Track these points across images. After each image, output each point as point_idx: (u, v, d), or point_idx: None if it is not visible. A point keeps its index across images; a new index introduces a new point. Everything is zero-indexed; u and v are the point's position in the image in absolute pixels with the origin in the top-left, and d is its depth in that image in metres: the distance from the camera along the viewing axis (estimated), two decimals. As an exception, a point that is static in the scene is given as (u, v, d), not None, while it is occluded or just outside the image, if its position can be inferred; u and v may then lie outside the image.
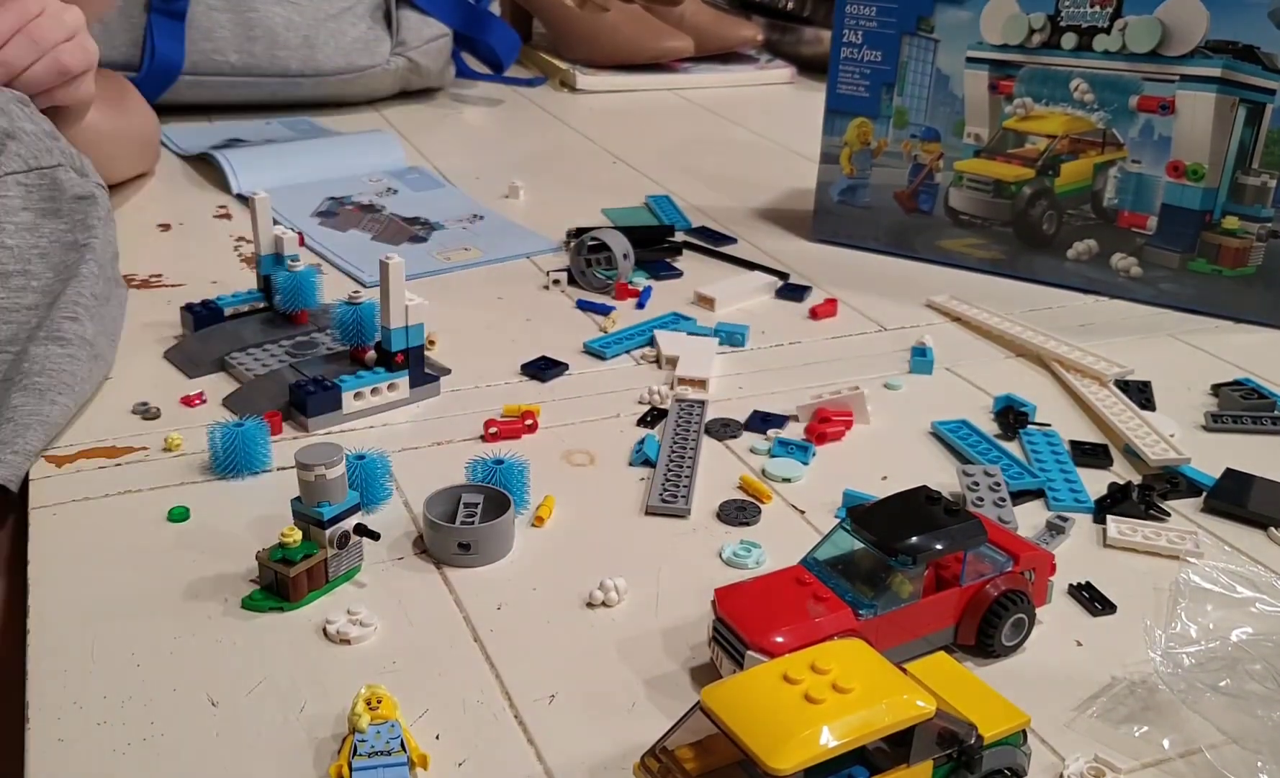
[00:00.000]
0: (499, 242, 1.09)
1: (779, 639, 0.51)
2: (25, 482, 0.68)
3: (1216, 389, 0.85)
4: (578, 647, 0.57)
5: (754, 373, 0.86)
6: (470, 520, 0.65)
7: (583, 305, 0.96)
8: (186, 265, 1.01)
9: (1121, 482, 0.71)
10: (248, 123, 1.42)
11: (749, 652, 0.51)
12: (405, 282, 0.75)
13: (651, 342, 0.89)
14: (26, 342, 0.74)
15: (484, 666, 0.56)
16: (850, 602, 0.54)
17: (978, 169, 1.04)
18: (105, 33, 1.33)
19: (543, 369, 0.84)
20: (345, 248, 1.07)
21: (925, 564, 0.55)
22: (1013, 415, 0.79)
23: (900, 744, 0.45)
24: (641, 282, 1.00)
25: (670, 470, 0.71)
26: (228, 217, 1.14)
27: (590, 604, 0.60)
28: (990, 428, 0.79)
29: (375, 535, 0.62)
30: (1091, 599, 0.62)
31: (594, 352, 0.88)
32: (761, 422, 0.78)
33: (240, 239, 1.08)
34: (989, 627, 0.56)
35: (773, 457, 0.74)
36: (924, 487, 0.58)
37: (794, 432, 0.77)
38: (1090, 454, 0.76)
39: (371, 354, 0.79)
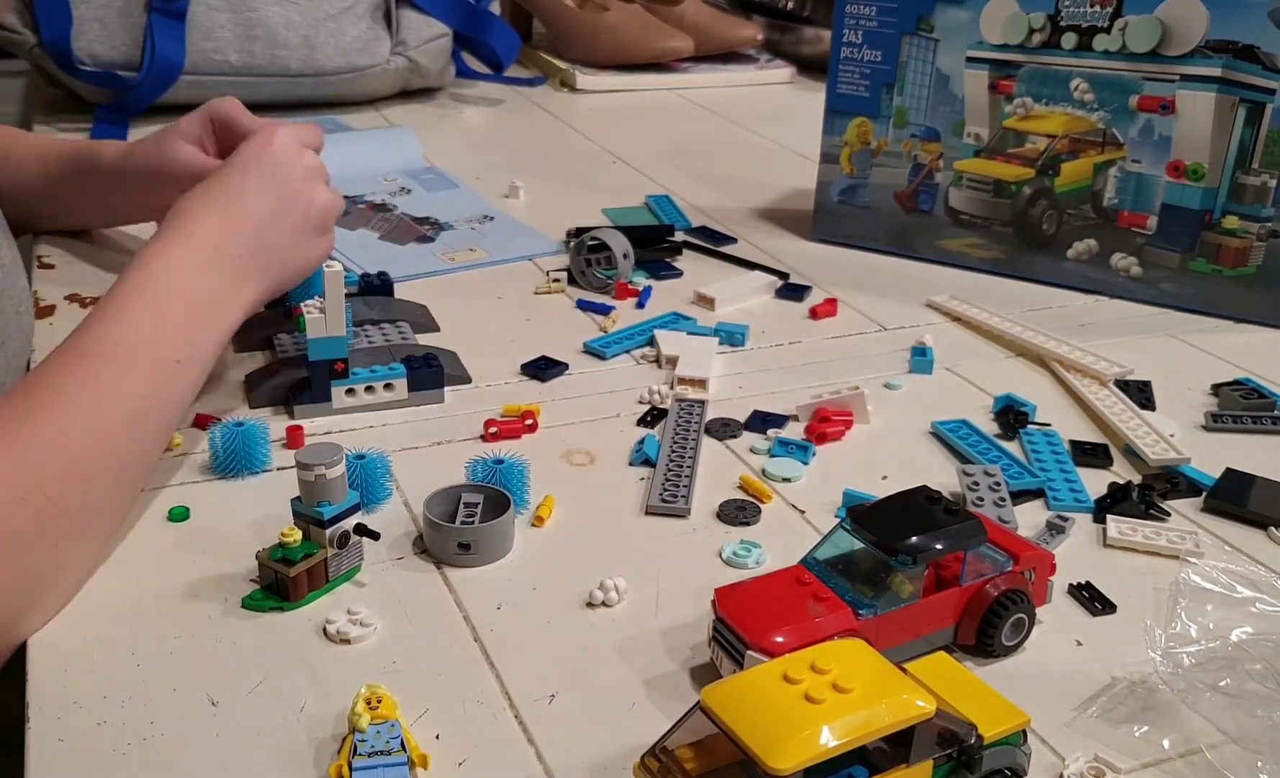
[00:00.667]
0: (506, 243, 1.09)
1: (779, 639, 0.51)
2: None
3: (1216, 389, 0.85)
4: (578, 647, 0.57)
5: (754, 373, 0.86)
6: (470, 520, 0.64)
7: (583, 305, 0.96)
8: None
9: (1121, 482, 0.71)
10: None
11: (749, 652, 0.51)
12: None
13: (651, 341, 0.89)
14: None
15: (484, 666, 0.56)
16: (850, 602, 0.54)
17: (978, 169, 1.04)
18: (105, 33, 1.33)
19: (543, 369, 0.84)
20: (352, 247, 1.07)
21: (925, 564, 0.55)
22: (1013, 415, 0.79)
23: (900, 744, 0.45)
24: (641, 281, 1.00)
25: (670, 470, 0.71)
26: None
27: (590, 604, 0.60)
28: (990, 428, 0.79)
29: (375, 535, 0.62)
30: (1091, 599, 0.62)
31: (594, 351, 0.88)
32: (761, 421, 0.78)
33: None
34: (989, 627, 0.56)
35: (773, 457, 0.74)
36: (924, 487, 0.58)
37: (794, 431, 0.77)
38: (1090, 454, 0.76)
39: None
